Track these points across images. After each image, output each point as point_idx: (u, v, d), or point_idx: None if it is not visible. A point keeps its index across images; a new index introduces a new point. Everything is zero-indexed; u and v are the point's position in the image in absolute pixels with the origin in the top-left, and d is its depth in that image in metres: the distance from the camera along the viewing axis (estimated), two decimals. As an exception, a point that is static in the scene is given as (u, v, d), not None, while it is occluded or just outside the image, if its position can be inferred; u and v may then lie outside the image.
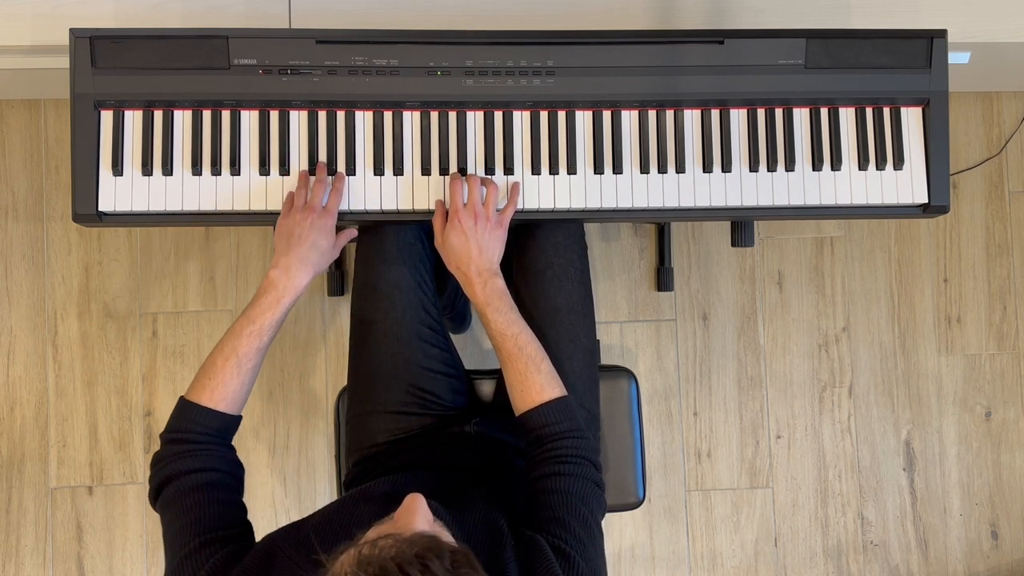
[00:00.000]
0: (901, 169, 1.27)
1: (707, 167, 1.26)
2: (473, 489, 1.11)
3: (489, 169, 1.24)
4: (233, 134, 1.23)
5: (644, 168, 1.25)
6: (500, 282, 1.17)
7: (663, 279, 1.98)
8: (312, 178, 1.22)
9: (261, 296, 1.13)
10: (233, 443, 1.11)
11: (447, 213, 1.21)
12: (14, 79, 1.79)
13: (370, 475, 1.25)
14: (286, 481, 1.92)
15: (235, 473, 1.08)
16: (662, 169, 1.25)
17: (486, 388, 1.42)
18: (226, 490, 1.04)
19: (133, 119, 1.22)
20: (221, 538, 0.97)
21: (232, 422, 1.10)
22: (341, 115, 1.24)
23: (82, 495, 1.92)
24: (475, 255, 1.16)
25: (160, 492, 1.03)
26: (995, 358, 2.05)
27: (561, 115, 1.25)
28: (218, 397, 1.08)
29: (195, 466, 1.03)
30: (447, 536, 0.82)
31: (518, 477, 1.17)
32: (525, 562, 0.94)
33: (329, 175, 1.22)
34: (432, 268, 1.33)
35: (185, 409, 1.08)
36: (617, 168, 1.25)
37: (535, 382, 1.11)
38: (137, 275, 1.95)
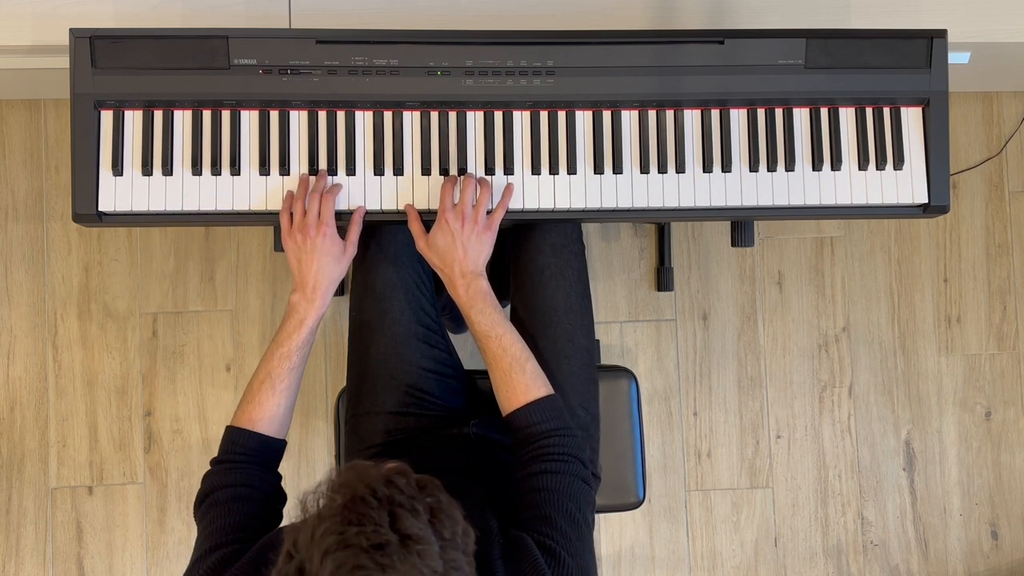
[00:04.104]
0: (901, 169, 1.27)
1: (707, 167, 1.26)
2: (469, 491, 1.11)
3: (489, 169, 1.24)
4: (233, 134, 1.23)
5: (644, 168, 1.25)
6: (484, 283, 1.18)
7: (663, 279, 1.98)
8: (311, 179, 1.21)
9: (286, 320, 1.17)
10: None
11: (420, 216, 1.21)
12: (14, 79, 1.79)
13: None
14: (286, 482, 1.90)
15: (268, 493, 1.10)
16: (662, 169, 1.25)
17: (486, 388, 1.42)
18: (251, 504, 1.06)
19: (133, 119, 1.22)
20: (229, 541, 0.99)
21: (271, 444, 1.13)
22: (341, 115, 1.24)
23: (82, 495, 1.92)
24: (460, 256, 1.17)
25: (199, 507, 1.07)
26: (995, 358, 2.05)
27: (561, 115, 1.25)
28: (256, 418, 1.12)
29: (228, 482, 1.07)
30: None
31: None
32: (512, 561, 0.95)
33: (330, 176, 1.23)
34: (431, 268, 1.33)
35: (227, 433, 1.13)
36: (617, 168, 1.25)
37: (520, 382, 1.12)
38: (137, 275, 1.95)
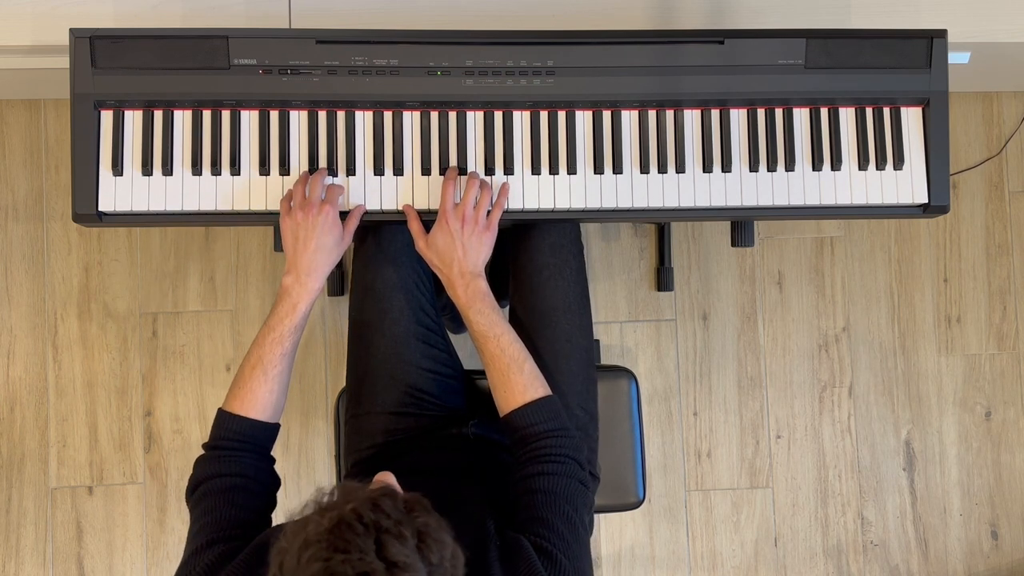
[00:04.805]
0: (901, 169, 1.27)
1: (707, 167, 1.26)
2: (467, 491, 1.11)
3: (489, 169, 1.24)
4: (233, 134, 1.23)
5: (644, 168, 1.25)
6: (483, 284, 1.17)
7: (663, 279, 1.98)
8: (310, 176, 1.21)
9: (278, 304, 1.15)
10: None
11: (419, 216, 1.21)
12: (14, 79, 1.79)
13: (369, 476, 1.25)
14: (286, 482, 1.90)
15: (263, 480, 1.10)
16: (662, 169, 1.25)
17: (485, 388, 1.42)
18: (247, 495, 1.06)
19: (133, 119, 1.22)
20: (226, 538, 0.98)
21: (264, 429, 1.12)
22: (341, 115, 1.24)
23: (82, 495, 1.92)
24: (459, 256, 1.16)
25: (192, 493, 1.07)
26: (995, 358, 2.05)
27: (561, 115, 1.25)
28: (248, 405, 1.11)
29: (222, 471, 1.06)
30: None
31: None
32: (509, 563, 0.94)
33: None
34: (431, 269, 1.33)
35: (219, 418, 1.12)
36: (617, 168, 1.25)
37: (518, 383, 1.11)
38: (137, 275, 1.95)
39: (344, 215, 1.21)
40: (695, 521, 1.99)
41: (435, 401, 1.29)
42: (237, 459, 1.08)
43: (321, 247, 1.15)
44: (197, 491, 1.06)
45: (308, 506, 0.79)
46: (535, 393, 1.11)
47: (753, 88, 1.25)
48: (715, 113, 1.26)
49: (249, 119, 1.23)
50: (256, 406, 1.11)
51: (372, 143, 1.24)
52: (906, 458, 2.03)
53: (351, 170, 1.23)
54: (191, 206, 1.23)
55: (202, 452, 1.10)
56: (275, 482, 1.13)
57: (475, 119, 1.24)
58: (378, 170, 1.24)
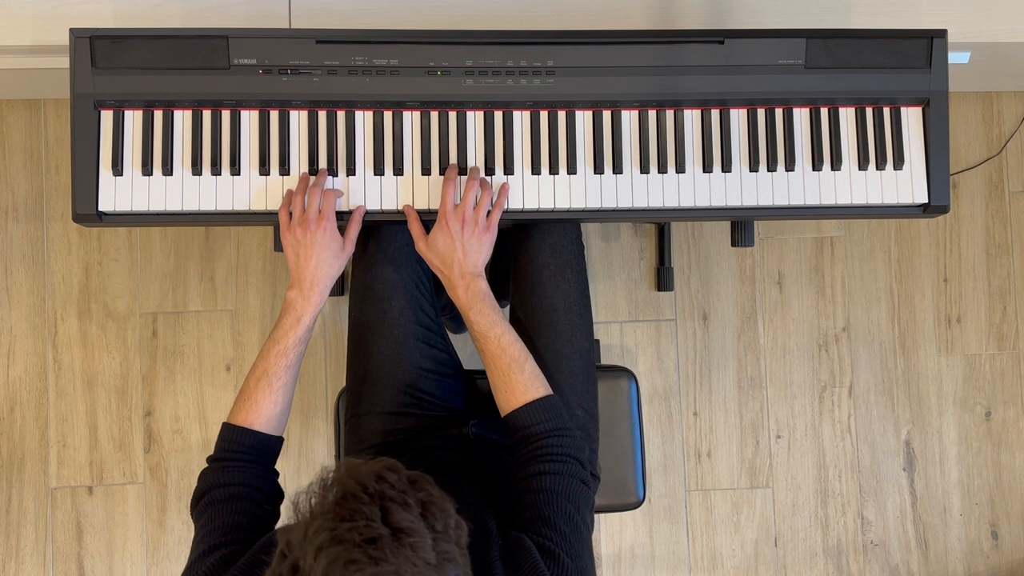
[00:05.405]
0: (901, 169, 1.27)
1: (707, 167, 1.26)
2: (468, 491, 1.11)
3: (489, 169, 1.24)
4: (233, 134, 1.23)
5: (644, 168, 1.25)
6: (483, 284, 1.18)
7: (663, 279, 1.98)
8: (311, 178, 1.22)
9: (282, 317, 1.16)
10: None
11: (420, 217, 1.21)
12: (14, 79, 1.79)
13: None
14: (286, 483, 1.90)
15: (266, 491, 1.10)
16: (662, 169, 1.25)
17: (486, 388, 1.42)
18: (250, 503, 1.06)
19: (133, 119, 1.22)
20: (228, 542, 0.99)
21: (268, 441, 1.13)
22: (341, 115, 1.24)
23: (82, 495, 1.92)
24: (460, 257, 1.17)
25: (197, 505, 1.07)
26: (995, 358, 2.05)
27: (561, 115, 1.25)
28: (252, 417, 1.12)
29: (225, 480, 1.07)
30: None
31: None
32: (511, 562, 0.94)
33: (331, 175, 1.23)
34: (430, 269, 1.33)
35: (223, 430, 1.13)
36: (617, 168, 1.25)
37: (518, 382, 1.12)
38: (137, 275, 1.95)
39: (344, 217, 1.21)
40: (695, 521, 1.99)
41: (435, 401, 1.29)
42: (241, 469, 1.09)
43: (322, 262, 1.16)
44: (201, 502, 1.06)
45: (312, 485, 0.80)
46: (536, 393, 1.11)
47: (753, 88, 1.25)
48: (715, 113, 1.26)
49: (249, 119, 1.23)
50: (260, 418, 1.12)
51: (372, 143, 1.24)
52: (906, 458, 2.03)
53: (351, 170, 1.23)
54: (191, 206, 1.23)
55: (206, 465, 1.11)
56: (279, 494, 1.13)
57: (475, 119, 1.24)
58: (378, 170, 1.24)
